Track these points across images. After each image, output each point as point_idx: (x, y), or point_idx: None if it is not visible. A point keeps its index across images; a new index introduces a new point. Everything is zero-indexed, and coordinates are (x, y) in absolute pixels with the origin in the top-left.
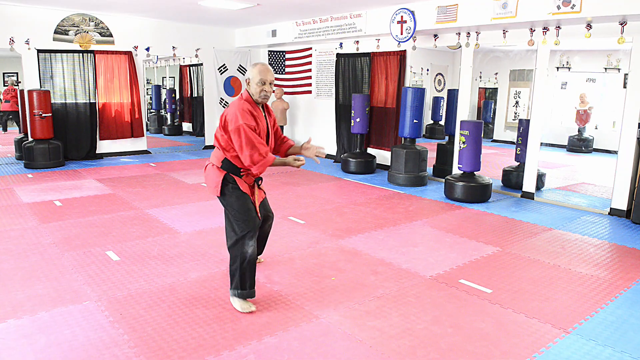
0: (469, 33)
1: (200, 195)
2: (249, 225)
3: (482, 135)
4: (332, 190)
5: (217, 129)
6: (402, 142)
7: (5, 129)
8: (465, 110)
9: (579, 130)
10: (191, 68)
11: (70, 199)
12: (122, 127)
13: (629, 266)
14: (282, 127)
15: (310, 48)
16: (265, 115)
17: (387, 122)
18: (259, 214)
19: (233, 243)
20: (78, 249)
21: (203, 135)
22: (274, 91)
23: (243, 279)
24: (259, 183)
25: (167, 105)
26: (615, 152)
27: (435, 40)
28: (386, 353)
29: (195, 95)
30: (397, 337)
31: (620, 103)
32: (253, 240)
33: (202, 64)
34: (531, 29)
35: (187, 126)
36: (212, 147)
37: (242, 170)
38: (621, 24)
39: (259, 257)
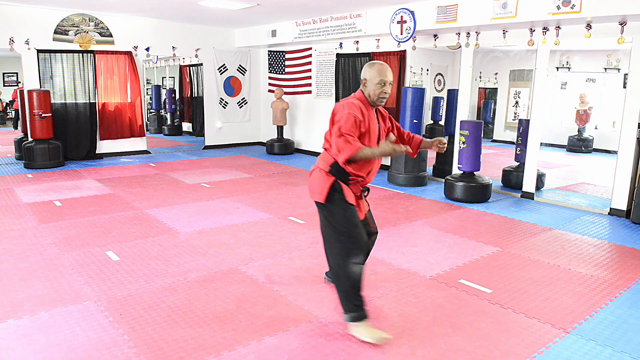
0: (468, 33)
1: (200, 195)
2: (355, 243)
3: (482, 135)
4: None
5: (328, 129)
6: None
7: (16, 127)
8: (465, 110)
9: (578, 130)
10: (191, 68)
11: (70, 199)
12: (122, 127)
13: (629, 266)
14: (281, 127)
15: (310, 48)
16: (378, 119)
17: None
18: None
19: (337, 262)
20: (78, 249)
21: (203, 136)
22: (273, 91)
23: (352, 301)
24: (366, 194)
25: (167, 105)
26: (615, 152)
27: (435, 40)
28: (386, 353)
29: (195, 95)
30: (397, 337)
31: (620, 103)
32: (360, 258)
33: (202, 64)
34: (531, 29)
35: (187, 126)
36: (212, 147)
37: (351, 177)
38: (621, 24)
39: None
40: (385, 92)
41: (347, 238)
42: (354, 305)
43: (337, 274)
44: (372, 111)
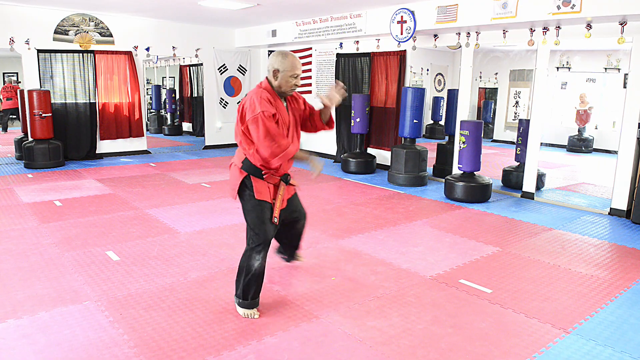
0: (469, 33)
1: (200, 195)
2: (259, 239)
3: (482, 135)
4: (332, 190)
5: (236, 122)
6: (402, 142)
7: (5, 129)
8: (465, 110)
9: (579, 130)
10: (191, 68)
11: (70, 199)
12: (122, 127)
13: (629, 266)
14: None
15: (310, 48)
16: (287, 107)
17: (387, 122)
18: (278, 220)
19: (244, 252)
20: (78, 249)
21: (203, 135)
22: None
23: (246, 291)
24: (288, 179)
25: (167, 105)
26: (615, 152)
27: (435, 40)
28: (386, 353)
29: (195, 95)
30: (397, 337)
31: (620, 103)
32: (262, 255)
33: (202, 64)
34: (531, 29)
35: (187, 126)
36: (212, 147)
37: (264, 171)
38: (621, 24)
39: (298, 254)
40: (296, 85)
41: (255, 234)
42: (246, 294)
43: (241, 265)
44: (279, 101)
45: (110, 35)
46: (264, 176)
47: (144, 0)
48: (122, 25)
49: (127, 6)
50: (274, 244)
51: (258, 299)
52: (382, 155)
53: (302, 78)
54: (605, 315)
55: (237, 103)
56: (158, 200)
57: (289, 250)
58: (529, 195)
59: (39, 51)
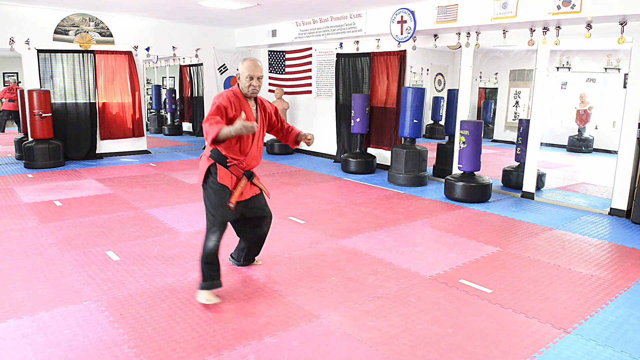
0: (469, 33)
1: (200, 195)
2: (216, 222)
3: (482, 135)
4: (332, 190)
5: None
6: (402, 142)
7: (2, 130)
8: (465, 110)
9: (579, 130)
10: (191, 68)
11: (70, 199)
12: (122, 127)
13: (629, 266)
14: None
15: (310, 48)
16: (256, 110)
17: (387, 122)
18: (234, 206)
19: (205, 235)
20: (78, 249)
21: (203, 135)
22: (273, 90)
23: (203, 272)
24: (251, 177)
25: (167, 105)
26: (615, 152)
27: (435, 40)
28: (386, 353)
29: (196, 95)
30: (397, 337)
31: (620, 103)
32: (216, 235)
33: (202, 64)
34: (531, 29)
35: (187, 126)
36: None
37: (228, 159)
38: (621, 24)
39: (256, 259)
40: (253, 86)
41: (212, 216)
42: (204, 275)
43: (203, 244)
44: (246, 102)
45: (110, 35)
46: (229, 166)
47: (144, 0)
48: (122, 25)
49: (127, 6)
50: (229, 248)
51: (217, 282)
52: (382, 155)
53: (303, 78)
54: (605, 315)
55: None
56: (158, 200)
57: (250, 252)
58: (529, 195)
59: (39, 51)
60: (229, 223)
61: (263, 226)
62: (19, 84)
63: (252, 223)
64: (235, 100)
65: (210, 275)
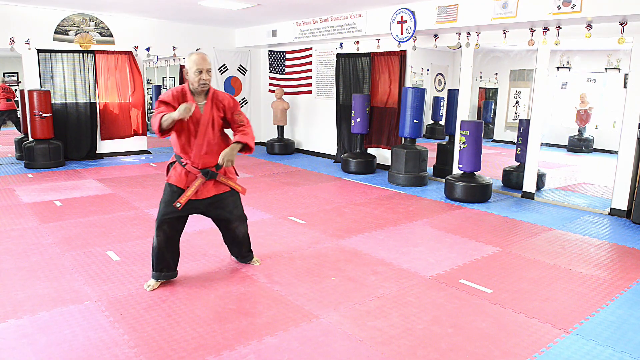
0: (469, 33)
1: None
2: (158, 217)
3: (483, 135)
4: (332, 190)
5: None
6: (403, 142)
7: None
8: (466, 110)
9: (579, 130)
10: None
11: (71, 199)
12: (122, 127)
13: (629, 266)
14: (282, 127)
15: (311, 48)
16: (204, 104)
17: (387, 122)
18: (182, 205)
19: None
20: (78, 249)
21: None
22: (273, 91)
23: (152, 261)
24: (208, 174)
25: None
26: (616, 152)
27: (435, 40)
28: (386, 353)
29: None
30: (397, 337)
31: (620, 103)
32: (156, 231)
33: None
34: (531, 29)
35: None
36: None
37: (183, 159)
38: (621, 24)
39: (254, 259)
40: (203, 79)
41: (159, 213)
42: (152, 265)
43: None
44: (192, 97)
45: (111, 35)
46: (185, 165)
47: (144, 0)
48: (123, 25)
49: (127, 6)
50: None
51: (165, 274)
52: (383, 155)
53: (303, 78)
54: (605, 315)
55: None
56: (158, 200)
57: (232, 250)
58: (529, 195)
59: (39, 51)
60: (178, 222)
61: (231, 229)
62: (19, 84)
63: (221, 225)
64: (179, 95)
65: (157, 267)
